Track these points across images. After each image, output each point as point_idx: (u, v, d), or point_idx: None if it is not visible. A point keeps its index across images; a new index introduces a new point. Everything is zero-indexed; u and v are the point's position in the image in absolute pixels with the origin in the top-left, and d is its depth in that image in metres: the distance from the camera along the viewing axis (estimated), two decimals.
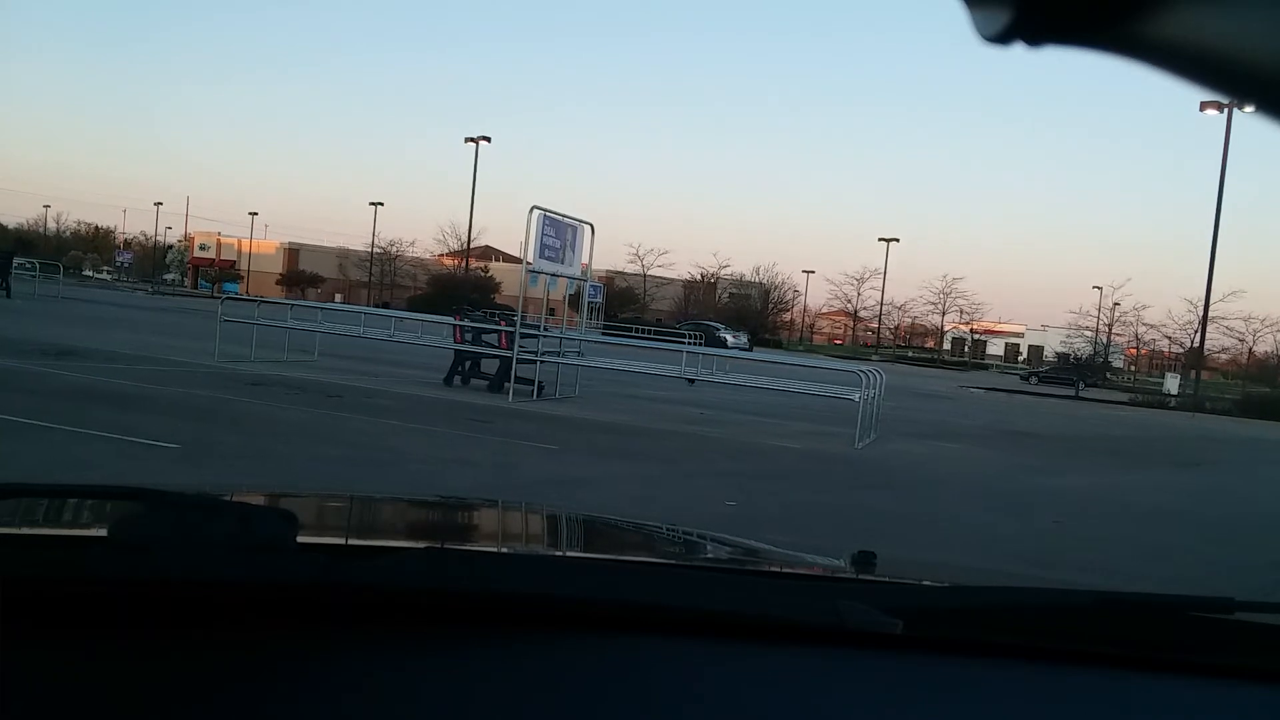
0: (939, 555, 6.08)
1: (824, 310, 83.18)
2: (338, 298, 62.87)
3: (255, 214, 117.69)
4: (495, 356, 14.46)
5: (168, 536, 0.88)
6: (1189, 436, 20.55)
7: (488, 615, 0.88)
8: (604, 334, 23.17)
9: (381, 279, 71.30)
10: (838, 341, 77.68)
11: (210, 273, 74.45)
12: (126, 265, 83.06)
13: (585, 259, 15.99)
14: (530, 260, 14.21)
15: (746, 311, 70.64)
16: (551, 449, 9.32)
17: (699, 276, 76.36)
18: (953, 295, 71.64)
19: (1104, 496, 9.80)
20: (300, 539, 0.98)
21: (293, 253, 76.93)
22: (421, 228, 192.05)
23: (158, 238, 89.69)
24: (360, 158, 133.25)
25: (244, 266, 74.37)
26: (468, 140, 55.12)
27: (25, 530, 1.13)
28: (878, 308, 72.53)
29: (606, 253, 73.05)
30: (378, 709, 0.76)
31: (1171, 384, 42.05)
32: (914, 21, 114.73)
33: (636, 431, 11.44)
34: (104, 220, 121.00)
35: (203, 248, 77.99)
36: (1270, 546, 8.08)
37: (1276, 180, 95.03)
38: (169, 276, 79.71)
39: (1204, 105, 33.23)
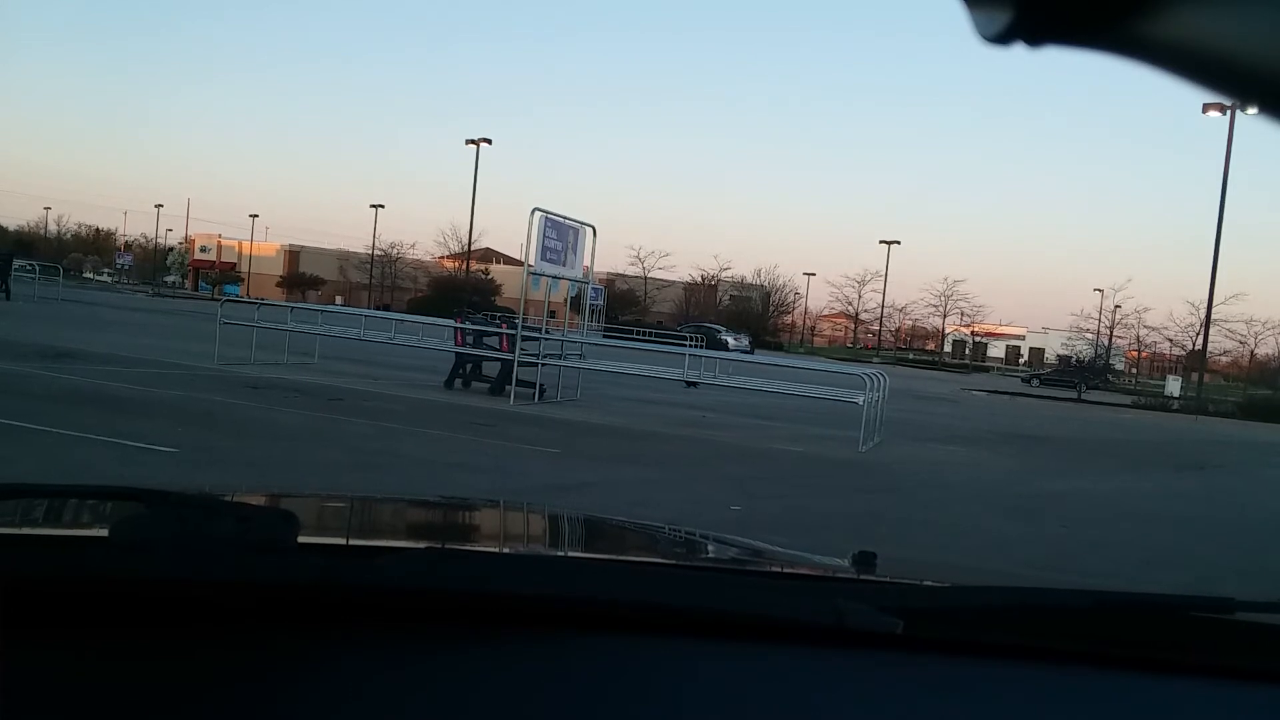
0: (941, 556, 6.07)
1: (825, 312, 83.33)
2: (338, 300, 62.86)
3: (256, 216, 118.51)
4: (496, 359, 14.46)
5: (168, 537, 0.88)
6: (1193, 439, 20.53)
7: (488, 615, 0.88)
8: (605, 336, 23.15)
9: (382, 281, 71.33)
10: (849, 344, 77.55)
11: (211, 275, 74.53)
12: (127, 267, 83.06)
13: (586, 261, 15.99)
14: (532, 262, 14.21)
15: (747, 314, 70.71)
16: (553, 453, 9.31)
17: (700, 279, 76.46)
18: (954, 297, 71.82)
19: (1109, 500, 9.79)
20: (300, 539, 0.98)
21: (293, 255, 76.93)
22: (422, 230, 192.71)
23: (158, 240, 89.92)
24: (361, 160, 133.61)
25: (244, 269, 74.40)
26: (468, 142, 55.21)
27: (25, 530, 1.13)
28: (879, 310, 72.65)
29: (607, 255, 73.16)
30: (378, 709, 0.76)
31: (1173, 386, 41.96)
32: (914, 22, 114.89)
33: (639, 435, 11.43)
34: (104, 222, 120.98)
35: (203, 250, 78.08)
36: (1278, 551, 8.07)
37: (1279, 182, 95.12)
38: (170, 279, 79.77)
39: (1206, 107, 33.21)
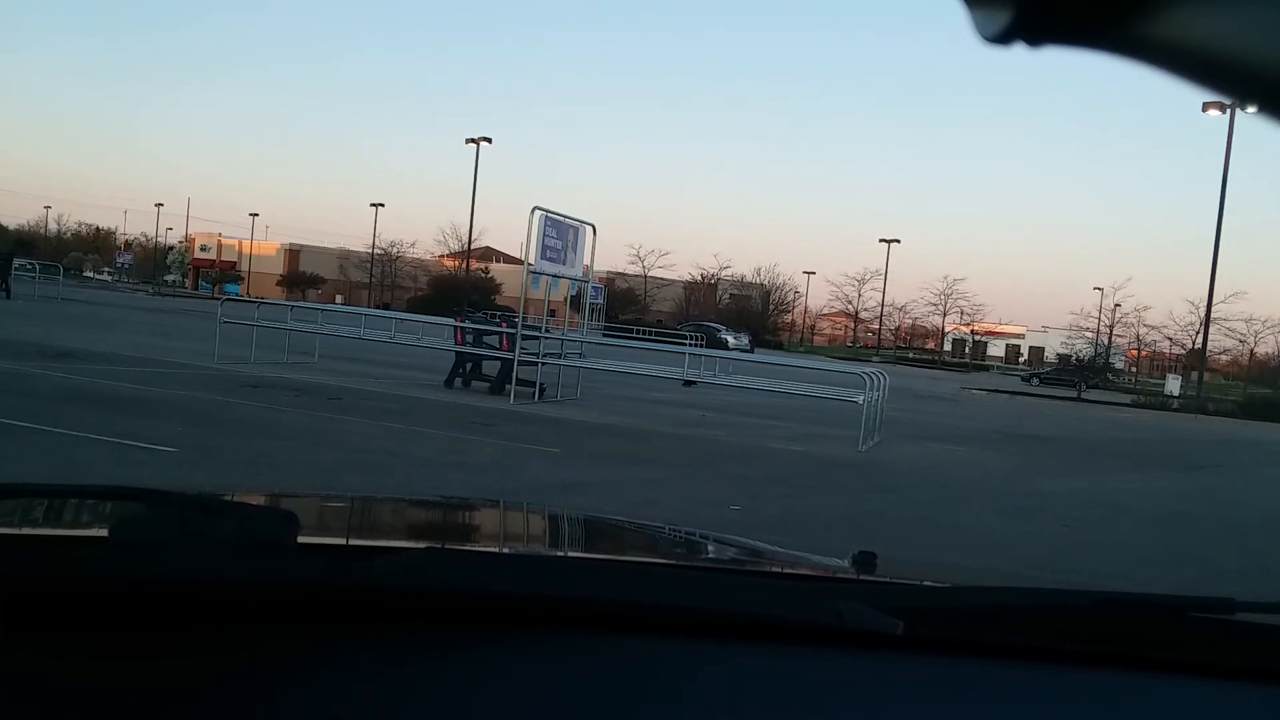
0: (941, 556, 6.07)
1: (825, 311, 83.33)
2: (338, 299, 62.86)
3: (256, 215, 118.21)
4: (496, 358, 14.46)
5: (168, 537, 0.88)
6: (1193, 438, 20.53)
7: (489, 615, 0.88)
8: (605, 335, 23.16)
9: (382, 280, 71.32)
10: (849, 343, 77.49)
11: (211, 274, 74.51)
12: (127, 266, 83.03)
13: (586, 260, 15.98)
14: (532, 261, 14.21)
15: (747, 313, 70.68)
16: (553, 452, 9.31)
17: (700, 278, 76.43)
18: (954, 296, 71.79)
19: (1110, 499, 9.78)
20: (301, 539, 0.98)
21: (293, 254, 76.90)
22: (422, 229, 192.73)
23: (158, 239, 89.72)
24: (361, 159, 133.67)
25: (245, 268, 74.36)
26: (468, 141, 55.24)
27: (25, 530, 1.13)
28: (879, 309, 72.64)
29: (607, 254, 73.07)
30: (379, 709, 0.76)
31: (1173, 385, 41.97)
32: (914, 21, 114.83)
33: (638, 434, 11.43)
34: (105, 221, 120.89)
35: (203, 249, 78.06)
36: (1278, 551, 8.06)
37: (1278, 181, 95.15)
38: (170, 278, 79.71)
39: (1206, 106, 33.22)
